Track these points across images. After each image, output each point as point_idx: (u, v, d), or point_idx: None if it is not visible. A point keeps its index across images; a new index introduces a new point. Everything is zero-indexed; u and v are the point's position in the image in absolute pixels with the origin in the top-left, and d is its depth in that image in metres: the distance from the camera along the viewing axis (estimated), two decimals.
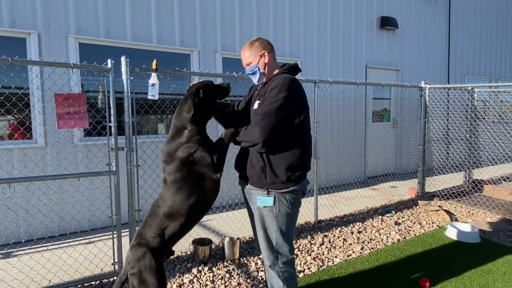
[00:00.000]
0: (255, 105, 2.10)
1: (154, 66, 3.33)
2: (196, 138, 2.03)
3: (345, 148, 6.71)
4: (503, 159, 7.07)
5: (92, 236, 4.05)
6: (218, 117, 2.36)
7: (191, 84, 2.26)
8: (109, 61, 3.10)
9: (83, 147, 4.24)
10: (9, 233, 3.86)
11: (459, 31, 9.18)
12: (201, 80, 2.30)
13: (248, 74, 2.25)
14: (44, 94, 4.03)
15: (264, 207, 2.09)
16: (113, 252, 3.21)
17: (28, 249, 3.75)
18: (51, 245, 3.84)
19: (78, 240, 3.95)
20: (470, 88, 6.23)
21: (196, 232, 4.16)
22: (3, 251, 3.70)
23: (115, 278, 3.13)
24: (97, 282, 3.11)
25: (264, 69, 2.20)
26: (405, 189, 6.40)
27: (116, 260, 3.22)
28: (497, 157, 7.01)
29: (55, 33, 4.21)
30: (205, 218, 4.73)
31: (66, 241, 3.91)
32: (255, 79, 2.24)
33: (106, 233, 4.13)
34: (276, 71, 2.21)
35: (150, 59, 4.78)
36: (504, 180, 7.05)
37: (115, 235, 3.21)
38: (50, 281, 3.08)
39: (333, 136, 6.53)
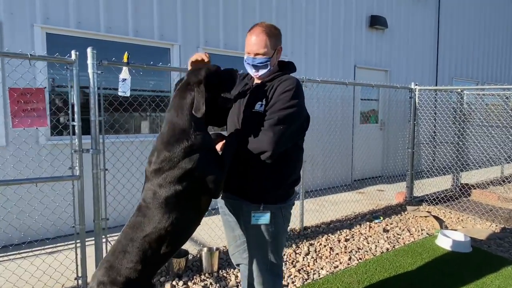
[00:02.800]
0: (257, 106, 1.76)
1: (125, 60, 3.00)
2: (206, 146, 1.59)
3: (332, 150, 6.49)
4: (487, 162, 6.99)
5: (51, 247, 3.63)
6: (216, 118, 1.95)
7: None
8: (73, 52, 2.76)
9: (48, 147, 3.87)
10: None
11: (448, 33, 9.09)
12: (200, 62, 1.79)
13: (251, 64, 1.81)
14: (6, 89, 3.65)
15: (260, 224, 1.80)
16: (76, 265, 2.88)
17: None
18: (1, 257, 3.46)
19: (35, 252, 3.57)
20: (459, 90, 6.09)
21: None
22: None
23: None
24: None
25: (272, 67, 1.84)
26: (393, 193, 6.23)
27: (79, 275, 2.89)
28: (482, 161, 6.92)
29: (19, 22, 3.82)
30: None
31: (21, 253, 3.52)
32: (256, 72, 1.83)
33: (67, 242, 3.71)
34: (276, 70, 1.88)
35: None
36: (491, 184, 6.96)
37: (78, 245, 2.88)
38: None
39: (319, 138, 6.30)
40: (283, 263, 3.50)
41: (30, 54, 2.59)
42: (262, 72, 1.84)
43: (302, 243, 4.04)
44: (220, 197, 2.00)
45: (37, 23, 3.91)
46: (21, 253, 3.51)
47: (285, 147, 1.72)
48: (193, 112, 1.58)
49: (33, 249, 3.57)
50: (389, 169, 7.48)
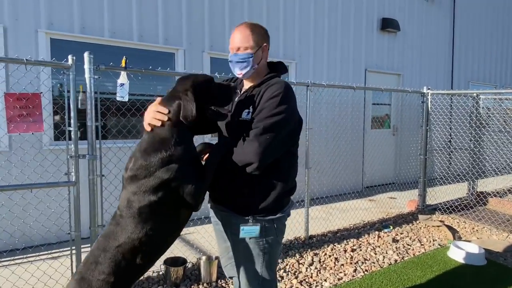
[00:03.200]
0: (244, 114, 1.65)
1: (123, 64, 2.96)
2: (187, 157, 1.49)
3: (341, 156, 6.32)
4: (505, 170, 6.68)
5: (46, 253, 3.56)
6: (204, 128, 1.83)
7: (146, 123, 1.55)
8: (69, 57, 2.74)
9: (44, 153, 3.86)
10: None
11: (464, 35, 8.81)
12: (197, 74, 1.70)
13: (235, 61, 1.72)
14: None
15: (250, 238, 1.69)
16: (71, 272, 2.83)
17: None
18: None
19: (29, 258, 3.52)
20: (475, 94, 5.85)
21: (173, 247, 3.77)
22: None
23: None
24: None
25: (257, 65, 1.73)
26: (405, 200, 6.01)
27: None
28: (500, 168, 6.62)
29: (23, 27, 3.85)
30: (184, 230, 4.34)
31: (15, 260, 3.48)
32: (239, 70, 1.72)
33: (63, 249, 3.66)
34: (265, 73, 1.77)
35: (130, 57, 4.43)
36: (509, 192, 6.65)
37: (74, 252, 2.83)
38: None
39: (327, 144, 6.15)
40: (285, 274, 3.38)
41: (26, 59, 2.58)
42: (245, 70, 1.72)
43: (306, 252, 3.91)
44: (210, 207, 1.91)
45: (42, 28, 3.93)
46: (16, 259, 3.49)
47: (274, 157, 1.61)
48: (181, 118, 1.49)
49: (28, 255, 3.54)
50: (401, 176, 7.24)
